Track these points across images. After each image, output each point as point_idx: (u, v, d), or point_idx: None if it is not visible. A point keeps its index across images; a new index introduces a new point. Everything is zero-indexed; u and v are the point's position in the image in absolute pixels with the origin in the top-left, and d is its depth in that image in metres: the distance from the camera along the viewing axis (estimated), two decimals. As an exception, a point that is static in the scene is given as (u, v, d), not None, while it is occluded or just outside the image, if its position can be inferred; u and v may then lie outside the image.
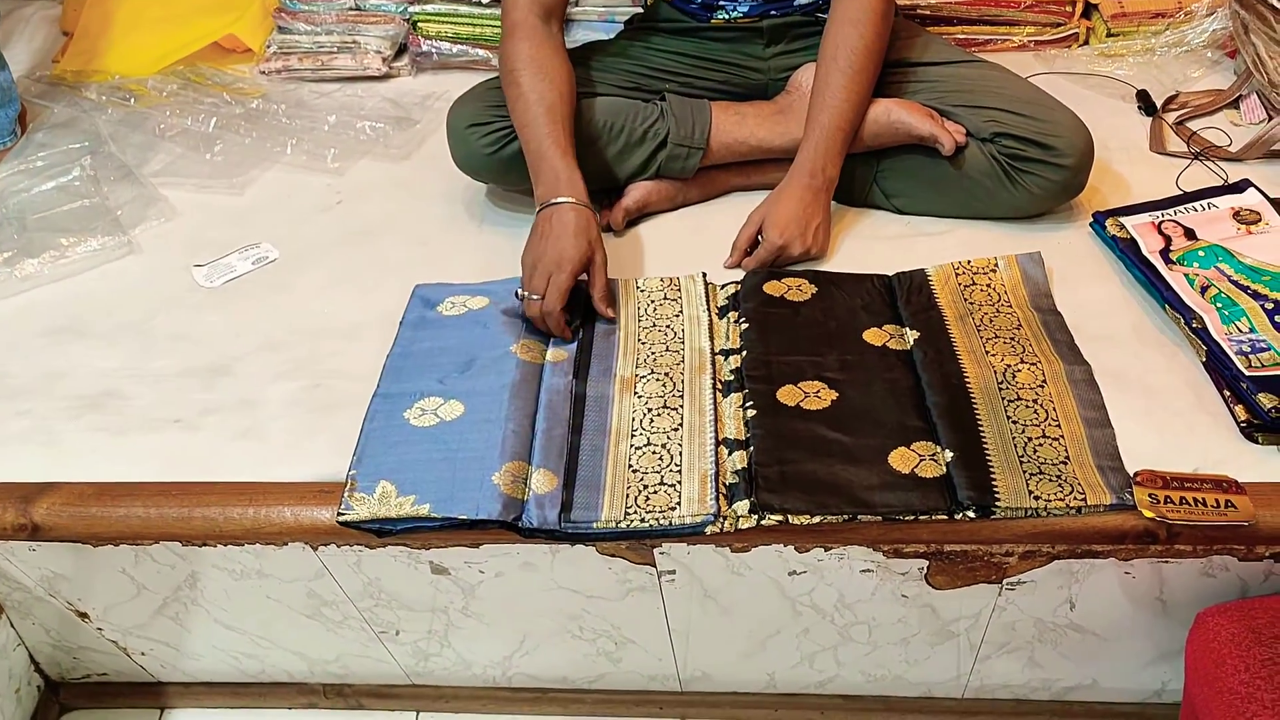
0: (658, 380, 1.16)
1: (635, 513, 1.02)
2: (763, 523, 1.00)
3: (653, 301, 1.27)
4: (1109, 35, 1.71)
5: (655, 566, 1.10)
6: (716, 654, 1.26)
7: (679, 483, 1.05)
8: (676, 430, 1.10)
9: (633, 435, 1.10)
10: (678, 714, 1.35)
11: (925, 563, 1.06)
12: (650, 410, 1.13)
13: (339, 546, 1.10)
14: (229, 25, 1.84)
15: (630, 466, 1.07)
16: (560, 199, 1.22)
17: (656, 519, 1.01)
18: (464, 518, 1.01)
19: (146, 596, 1.22)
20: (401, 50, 1.83)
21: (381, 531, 1.04)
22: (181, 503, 1.07)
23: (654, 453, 1.08)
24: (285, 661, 1.33)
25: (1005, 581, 1.08)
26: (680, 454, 1.08)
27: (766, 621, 1.18)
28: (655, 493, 1.04)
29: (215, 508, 1.07)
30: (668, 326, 1.23)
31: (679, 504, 1.03)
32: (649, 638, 1.22)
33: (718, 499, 1.02)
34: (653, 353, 1.20)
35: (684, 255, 1.36)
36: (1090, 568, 1.05)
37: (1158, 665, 1.19)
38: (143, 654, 1.34)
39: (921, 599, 1.12)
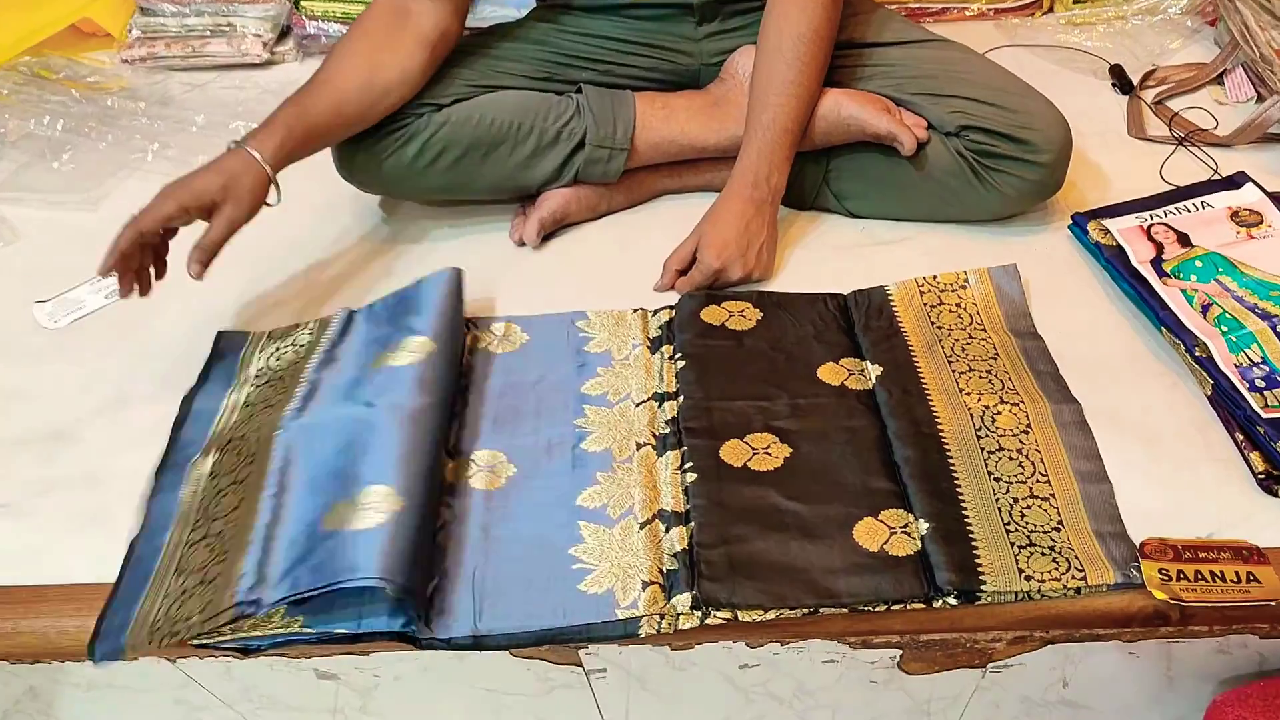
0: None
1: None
2: (707, 621, 0.84)
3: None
4: (1076, 2, 1.55)
5: (582, 666, 0.93)
6: (660, 737, 1.10)
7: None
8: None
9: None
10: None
11: (898, 652, 0.91)
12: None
13: (201, 659, 0.91)
14: (84, 7, 1.61)
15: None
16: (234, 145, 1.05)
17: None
18: (344, 632, 0.83)
19: (-19, 710, 1.03)
20: (285, 33, 1.62)
21: (246, 650, 0.86)
22: (2, 615, 0.88)
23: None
24: (164, 760, 1.15)
25: (990, 665, 0.93)
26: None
27: (715, 709, 1.02)
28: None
29: (45, 619, 0.88)
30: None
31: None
32: (581, 727, 1.06)
33: (652, 588, 0.85)
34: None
35: (609, 274, 1.18)
36: (1089, 650, 0.90)
37: (1158, 734, 1.06)
38: (-5, 760, 1.15)
39: (893, 684, 0.96)
